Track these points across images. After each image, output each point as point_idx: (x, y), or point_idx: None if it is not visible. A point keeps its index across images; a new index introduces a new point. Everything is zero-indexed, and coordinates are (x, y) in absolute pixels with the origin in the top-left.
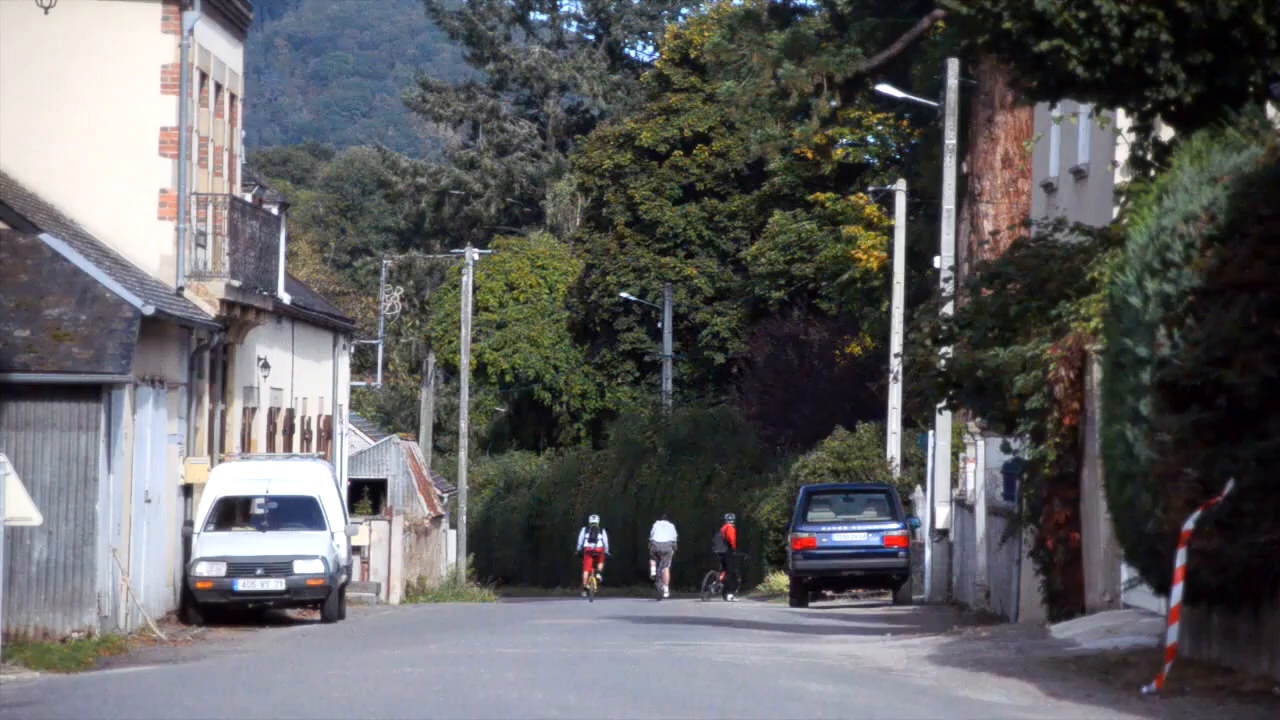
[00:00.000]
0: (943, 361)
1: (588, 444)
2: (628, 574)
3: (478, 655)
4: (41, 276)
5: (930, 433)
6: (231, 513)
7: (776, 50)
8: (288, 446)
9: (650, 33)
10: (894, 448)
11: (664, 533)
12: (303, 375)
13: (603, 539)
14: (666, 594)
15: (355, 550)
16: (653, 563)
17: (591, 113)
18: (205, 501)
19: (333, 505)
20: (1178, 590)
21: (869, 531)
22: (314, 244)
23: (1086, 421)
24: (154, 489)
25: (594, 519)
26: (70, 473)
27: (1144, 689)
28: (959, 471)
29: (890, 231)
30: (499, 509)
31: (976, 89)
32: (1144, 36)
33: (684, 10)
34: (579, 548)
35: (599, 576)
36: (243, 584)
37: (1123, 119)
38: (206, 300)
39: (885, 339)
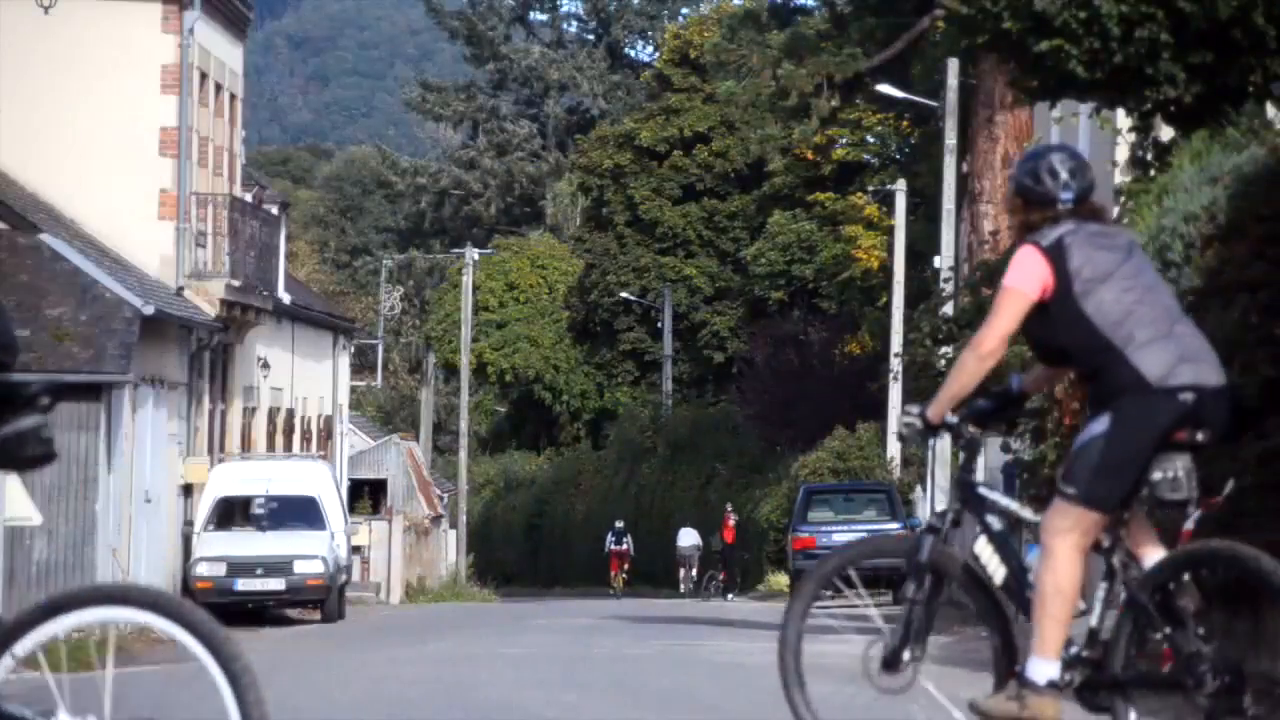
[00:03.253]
0: (943, 361)
1: (588, 444)
2: (631, 573)
3: (478, 655)
4: (41, 276)
5: None
6: (231, 513)
7: (776, 50)
8: (288, 446)
9: (650, 33)
10: (894, 448)
11: (688, 538)
12: (303, 375)
13: (628, 541)
14: (689, 587)
15: (355, 550)
16: (680, 567)
17: (591, 113)
18: (205, 501)
19: (333, 505)
20: None
21: (869, 531)
22: (314, 244)
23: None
24: (154, 489)
25: (619, 523)
26: (70, 473)
27: None
28: None
29: (890, 231)
30: (499, 509)
31: (976, 89)
32: (1144, 36)
33: (684, 10)
34: (606, 549)
35: (624, 576)
36: (243, 584)
37: (1123, 119)
38: (206, 300)
39: (885, 339)
